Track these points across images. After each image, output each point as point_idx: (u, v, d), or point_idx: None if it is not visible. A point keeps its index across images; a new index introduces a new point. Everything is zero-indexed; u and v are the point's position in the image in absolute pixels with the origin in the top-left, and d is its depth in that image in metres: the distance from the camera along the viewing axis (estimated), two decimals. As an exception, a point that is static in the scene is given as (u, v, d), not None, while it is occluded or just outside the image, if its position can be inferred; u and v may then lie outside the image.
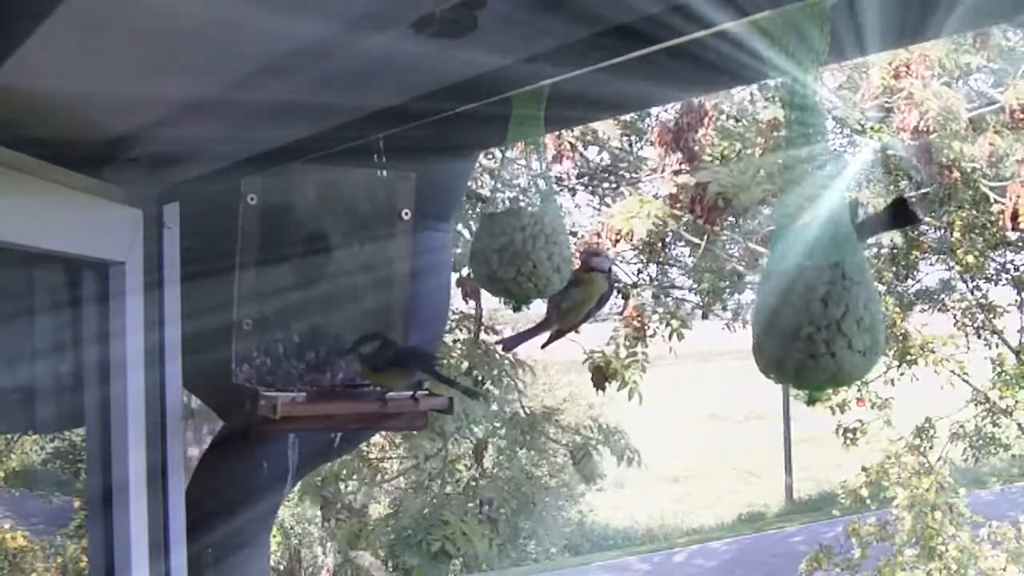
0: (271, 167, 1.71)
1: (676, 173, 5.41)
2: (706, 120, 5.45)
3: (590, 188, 7.25)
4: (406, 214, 1.90)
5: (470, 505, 5.74)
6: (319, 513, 5.82)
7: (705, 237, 6.08)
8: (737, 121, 6.08)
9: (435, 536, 5.21)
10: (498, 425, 6.06)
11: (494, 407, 5.90)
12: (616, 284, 6.48)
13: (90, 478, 1.89)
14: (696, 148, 5.43)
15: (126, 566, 1.79)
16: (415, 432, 5.41)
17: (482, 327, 6.06)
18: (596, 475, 6.52)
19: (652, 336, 6.53)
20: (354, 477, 6.24)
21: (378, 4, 1.01)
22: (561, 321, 1.73)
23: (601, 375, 5.85)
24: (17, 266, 1.91)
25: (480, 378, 5.62)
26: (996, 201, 6.47)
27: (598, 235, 5.56)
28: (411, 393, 1.77)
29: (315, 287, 1.91)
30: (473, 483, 6.29)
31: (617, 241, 5.35)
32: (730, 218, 5.82)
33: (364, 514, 6.11)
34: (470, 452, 6.75)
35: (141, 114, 1.50)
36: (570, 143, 5.68)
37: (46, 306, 2.00)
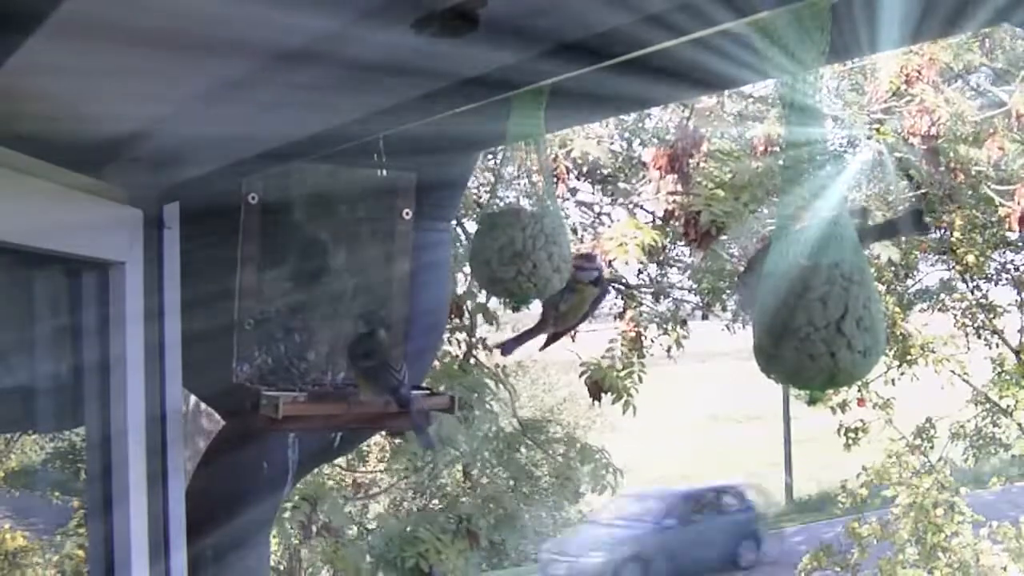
0: (271, 167, 1.71)
1: (671, 194, 5.44)
2: (701, 145, 5.47)
3: (588, 204, 7.27)
4: (406, 214, 1.90)
5: (445, 519, 5.79)
6: (299, 534, 5.85)
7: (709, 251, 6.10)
8: (733, 143, 6.09)
9: (409, 553, 5.30)
10: (474, 447, 6.05)
11: (478, 425, 5.89)
12: (613, 285, 6.49)
13: (90, 478, 1.89)
14: (690, 172, 5.46)
15: (126, 566, 1.79)
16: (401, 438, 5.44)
17: (474, 342, 6.06)
18: (579, 496, 6.57)
19: (650, 347, 6.57)
20: (332, 495, 6.27)
21: (378, 3, 1.01)
22: (558, 324, 1.74)
23: (597, 387, 5.89)
24: (17, 266, 1.91)
25: (461, 397, 5.61)
26: (1002, 204, 6.47)
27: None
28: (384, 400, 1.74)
29: (316, 287, 1.91)
30: (455, 499, 6.35)
31: (610, 264, 5.38)
32: (723, 242, 5.85)
33: (341, 533, 6.14)
34: (452, 470, 6.82)
35: (141, 114, 1.50)
36: (566, 167, 5.73)
37: (46, 306, 2.00)
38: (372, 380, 1.71)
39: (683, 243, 5.80)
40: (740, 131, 6.14)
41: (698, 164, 5.47)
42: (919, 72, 5.69)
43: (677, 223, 5.51)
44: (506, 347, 1.90)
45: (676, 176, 5.40)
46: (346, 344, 1.80)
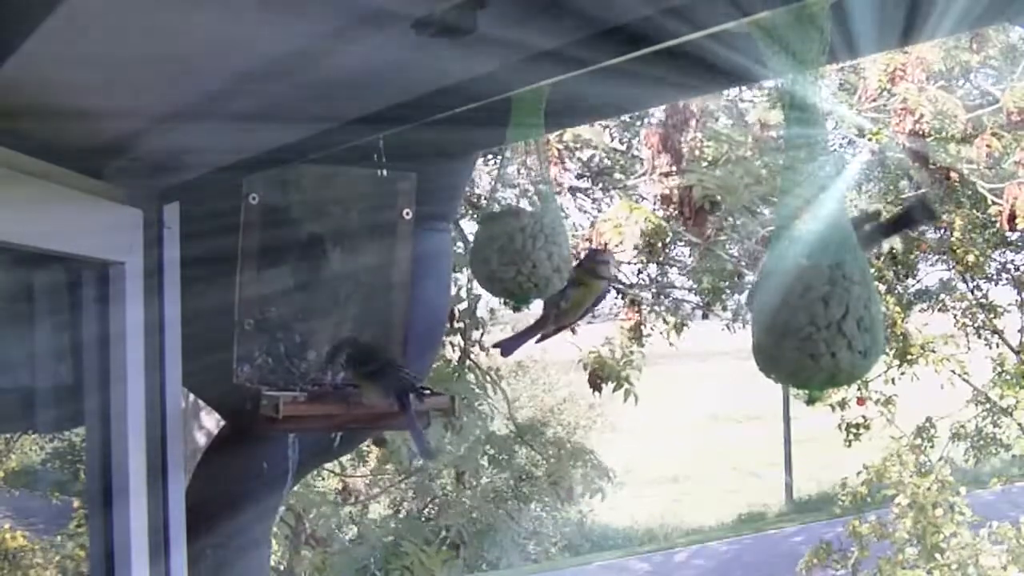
0: (271, 167, 1.71)
1: (665, 175, 5.45)
2: (693, 122, 5.47)
3: (584, 190, 7.26)
4: (407, 214, 1.90)
5: (430, 530, 5.77)
6: (285, 543, 5.83)
7: (707, 237, 6.10)
8: (727, 121, 6.09)
9: (394, 566, 5.28)
10: (462, 453, 6.03)
11: (468, 430, 5.85)
12: (614, 284, 6.49)
13: (90, 478, 1.89)
14: (683, 150, 5.46)
15: (126, 566, 1.79)
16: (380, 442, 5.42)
17: (470, 343, 6.04)
18: (573, 495, 6.56)
19: (649, 336, 6.56)
20: (322, 507, 6.25)
21: (378, 4, 1.01)
22: (559, 321, 1.73)
23: (596, 377, 5.88)
24: (17, 266, 1.91)
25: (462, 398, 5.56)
26: (994, 203, 6.48)
27: (589, 241, 5.56)
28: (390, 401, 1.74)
29: (316, 287, 1.91)
30: (444, 507, 6.33)
31: (605, 247, 5.38)
32: (719, 220, 5.85)
33: (329, 543, 6.12)
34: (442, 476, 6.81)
35: (141, 114, 1.50)
36: (558, 149, 5.71)
37: (46, 306, 2.00)
38: (378, 381, 1.71)
39: (680, 225, 5.78)
40: (734, 110, 6.15)
41: (691, 140, 5.47)
42: (903, 71, 5.69)
43: (673, 206, 5.52)
44: (505, 347, 1.89)
45: (669, 156, 5.42)
46: (338, 358, 1.80)
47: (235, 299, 1.82)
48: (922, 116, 5.63)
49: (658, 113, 6.06)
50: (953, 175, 6.44)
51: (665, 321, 6.93)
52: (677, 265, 8.08)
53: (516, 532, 6.75)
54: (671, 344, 7.10)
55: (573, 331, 5.98)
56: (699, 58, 1.08)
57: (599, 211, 7.22)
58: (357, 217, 1.91)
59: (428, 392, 1.85)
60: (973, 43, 6.28)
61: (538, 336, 1.79)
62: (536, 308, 1.69)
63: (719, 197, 5.26)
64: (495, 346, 1.98)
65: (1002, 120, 5.98)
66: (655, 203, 5.90)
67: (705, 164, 5.47)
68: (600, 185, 7.08)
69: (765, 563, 11.90)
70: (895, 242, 6.39)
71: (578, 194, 7.30)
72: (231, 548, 2.28)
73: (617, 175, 6.84)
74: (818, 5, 0.89)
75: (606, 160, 6.83)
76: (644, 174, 5.90)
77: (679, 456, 18.58)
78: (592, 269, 1.67)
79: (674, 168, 5.40)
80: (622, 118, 6.66)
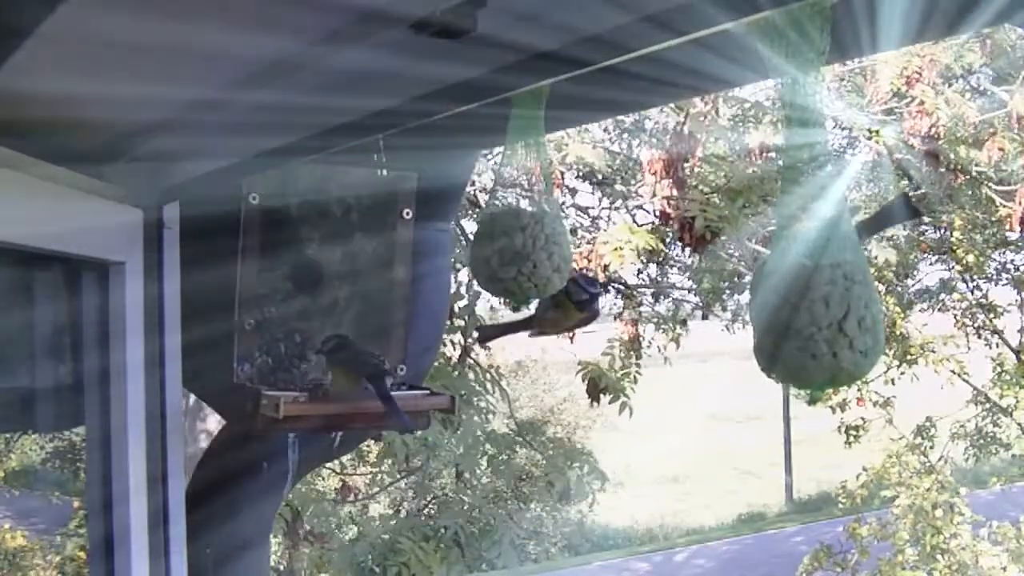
0: (271, 167, 1.71)
1: (667, 199, 5.47)
2: (696, 150, 5.49)
3: (584, 209, 7.28)
4: (407, 214, 1.90)
5: (428, 527, 5.78)
6: (283, 540, 5.81)
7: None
8: (728, 147, 6.08)
9: (391, 562, 5.28)
10: (461, 451, 6.03)
11: (468, 428, 5.85)
12: (612, 285, 6.50)
13: (90, 478, 1.89)
14: (685, 177, 5.48)
15: (126, 566, 1.79)
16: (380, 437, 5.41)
17: (471, 341, 6.03)
18: (571, 496, 6.57)
19: (648, 348, 6.59)
20: (320, 502, 6.24)
21: (378, 4, 1.01)
22: (543, 327, 1.72)
23: (595, 387, 5.91)
24: (17, 266, 1.91)
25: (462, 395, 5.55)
26: (1003, 205, 6.48)
27: (588, 260, 5.54)
28: (386, 395, 1.72)
29: (316, 287, 1.91)
30: (443, 505, 6.35)
31: (605, 268, 5.39)
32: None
33: (329, 541, 6.11)
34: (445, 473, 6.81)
35: (141, 114, 1.50)
36: (560, 172, 5.75)
37: (46, 306, 2.00)
38: (346, 366, 1.69)
39: (681, 246, 5.84)
40: (735, 136, 6.15)
41: (693, 169, 5.50)
42: (919, 74, 5.70)
43: (673, 226, 5.55)
44: (483, 333, 1.87)
45: (671, 181, 5.43)
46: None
47: (235, 299, 1.82)
48: (939, 119, 5.65)
49: (663, 124, 6.07)
50: (962, 177, 6.45)
51: (665, 333, 6.95)
52: (677, 265, 8.08)
53: (516, 532, 6.74)
54: (666, 360, 7.15)
55: (571, 339, 6.02)
56: (700, 58, 1.08)
57: (595, 225, 7.24)
58: (357, 217, 1.90)
59: (428, 392, 1.85)
60: (983, 45, 6.28)
61: (531, 332, 1.77)
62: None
63: (719, 228, 5.31)
64: (476, 329, 1.96)
65: (1011, 123, 5.99)
66: (656, 212, 5.91)
67: (706, 192, 5.49)
68: (601, 191, 7.08)
69: (765, 563, 11.91)
70: (889, 254, 6.42)
71: (578, 212, 7.31)
72: (231, 548, 2.28)
73: (618, 186, 6.82)
74: (818, 5, 0.89)
75: (602, 173, 6.82)
76: (646, 188, 5.91)
77: (679, 456, 18.58)
78: (572, 293, 1.63)
79: (675, 192, 5.42)
80: (620, 120, 6.65)
